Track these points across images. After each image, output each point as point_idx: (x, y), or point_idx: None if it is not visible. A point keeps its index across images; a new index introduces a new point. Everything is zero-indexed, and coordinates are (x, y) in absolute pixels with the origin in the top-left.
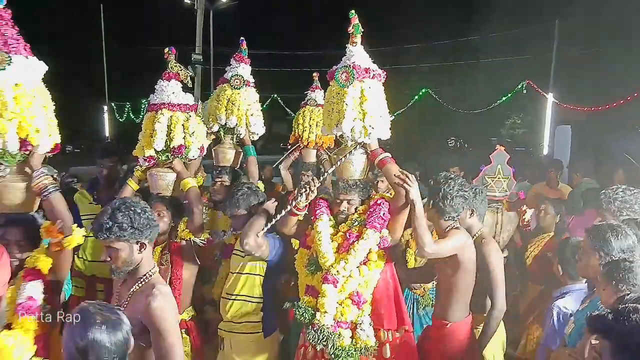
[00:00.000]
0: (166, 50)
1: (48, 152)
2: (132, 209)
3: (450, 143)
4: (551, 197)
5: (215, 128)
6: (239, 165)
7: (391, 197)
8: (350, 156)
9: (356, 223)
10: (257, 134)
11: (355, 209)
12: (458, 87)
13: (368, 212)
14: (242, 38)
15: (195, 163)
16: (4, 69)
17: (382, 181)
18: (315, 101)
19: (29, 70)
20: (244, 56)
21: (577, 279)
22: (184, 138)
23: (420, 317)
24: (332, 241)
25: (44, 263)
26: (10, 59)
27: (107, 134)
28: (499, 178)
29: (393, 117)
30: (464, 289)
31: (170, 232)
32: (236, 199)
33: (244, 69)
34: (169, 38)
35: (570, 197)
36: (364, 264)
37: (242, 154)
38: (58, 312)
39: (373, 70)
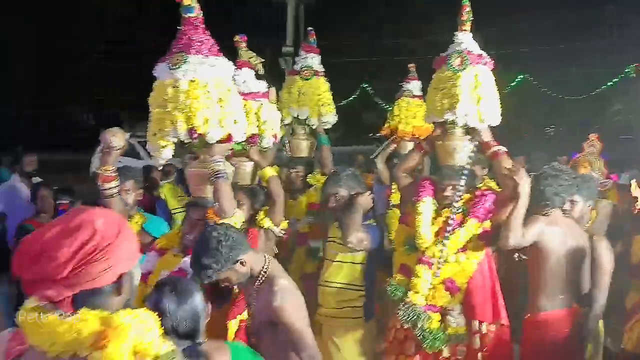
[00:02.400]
0: (236, 37)
1: (222, 142)
2: (211, 245)
3: (548, 131)
4: None
5: (288, 120)
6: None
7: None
8: (456, 142)
9: (459, 210)
10: (330, 123)
11: (460, 196)
12: (559, 72)
13: (473, 202)
14: (310, 29)
15: (269, 153)
16: (180, 67)
17: (482, 167)
18: (412, 92)
19: (204, 68)
20: (313, 46)
21: None
22: (257, 127)
23: None
24: (432, 224)
25: None
26: (186, 59)
27: None
28: (590, 166)
29: None
30: (551, 277)
31: (249, 220)
32: (340, 177)
33: (313, 60)
34: (260, 30)
35: None
36: (462, 252)
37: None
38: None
39: (484, 57)
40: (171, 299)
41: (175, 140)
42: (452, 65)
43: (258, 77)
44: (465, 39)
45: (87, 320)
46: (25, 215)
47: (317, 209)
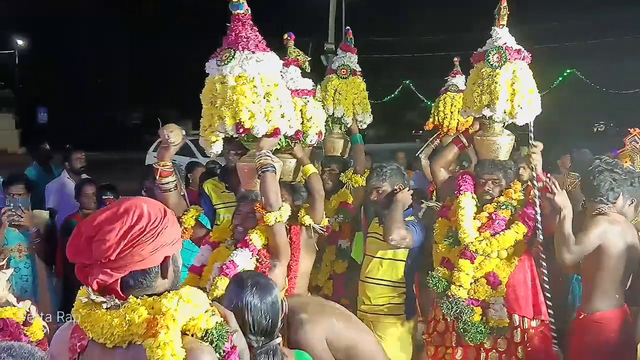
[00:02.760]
0: (285, 35)
1: (267, 136)
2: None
3: (597, 127)
4: None
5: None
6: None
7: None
8: (496, 137)
9: (503, 206)
10: (365, 123)
11: (501, 191)
12: (608, 66)
13: (524, 206)
14: (347, 28)
15: (306, 151)
16: (227, 63)
17: (524, 167)
18: (457, 87)
19: (251, 63)
20: (350, 45)
21: None
22: (301, 124)
23: None
24: (474, 219)
25: (255, 235)
26: (233, 55)
27: None
28: (631, 162)
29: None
30: (609, 276)
31: (290, 216)
32: (384, 172)
33: (350, 59)
34: (301, 28)
35: None
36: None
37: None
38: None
39: (522, 52)
40: (253, 293)
41: (224, 135)
42: (490, 61)
43: (304, 74)
44: (503, 34)
45: (137, 310)
46: (73, 211)
47: (348, 208)
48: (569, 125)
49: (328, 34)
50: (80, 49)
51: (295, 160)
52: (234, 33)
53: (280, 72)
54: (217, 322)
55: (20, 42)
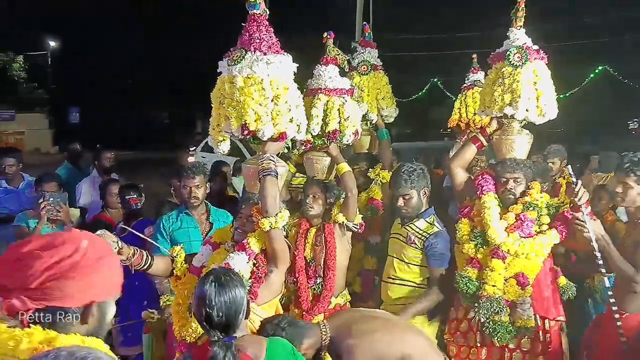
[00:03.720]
0: (325, 34)
1: (273, 140)
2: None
3: (632, 125)
4: None
5: None
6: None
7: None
8: (515, 136)
9: (530, 208)
10: (391, 117)
11: (523, 190)
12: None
13: (557, 217)
14: (364, 23)
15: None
16: (237, 64)
17: (553, 163)
18: (482, 82)
19: (261, 65)
20: (369, 41)
21: None
22: (339, 123)
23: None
24: (500, 219)
25: (253, 240)
26: (244, 55)
27: None
28: None
29: (564, 96)
30: None
31: (324, 214)
32: (411, 178)
33: (370, 54)
34: (328, 28)
35: None
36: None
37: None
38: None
39: (542, 52)
40: (212, 288)
41: (229, 135)
42: (511, 61)
43: (342, 74)
44: (520, 35)
45: (32, 334)
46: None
47: (376, 204)
48: (601, 123)
49: (355, 33)
50: (111, 50)
51: (329, 158)
52: (248, 33)
53: (319, 70)
54: None
55: (52, 43)
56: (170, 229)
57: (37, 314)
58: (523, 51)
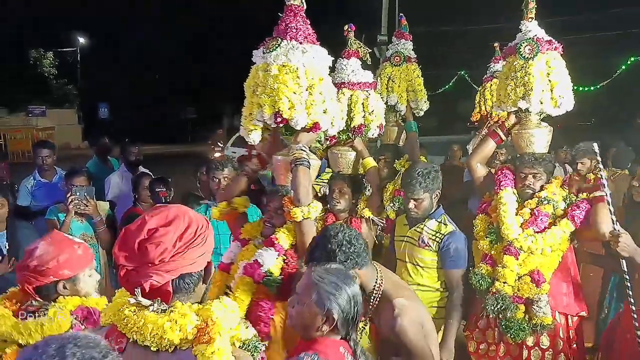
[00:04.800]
0: (346, 27)
1: (306, 130)
2: (328, 246)
3: None
4: None
5: None
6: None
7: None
8: (533, 129)
9: (545, 202)
10: (422, 110)
11: (542, 186)
12: None
13: (572, 207)
14: (401, 14)
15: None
16: (272, 51)
17: (583, 163)
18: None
19: (296, 53)
20: (404, 32)
21: None
22: (363, 117)
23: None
24: (516, 215)
25: (282, 235)
26: (279, 44)
27: None
28: None
29: (595, 88)
30: None
31: (350, 209)
32: (425, 182)
33: (404, 46)
34: (354, 19)
35: None
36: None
37: (403, 130)
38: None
39: (554, 43)
40: (352, 286)
41: (261, 124)
42: (522, 53)
43: (364, 67)
44: (532, 27)
45: (187, 315)
46: (129, 202)
47: (403, 196)
48: (633, 115)
49: (381, 26)
50: (138, 46)
51: (354, 152)
52: (284, 23)
53: (341, 64)
54: (253, 335)
55: (81, 39)
56: None
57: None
58: (534, 43)
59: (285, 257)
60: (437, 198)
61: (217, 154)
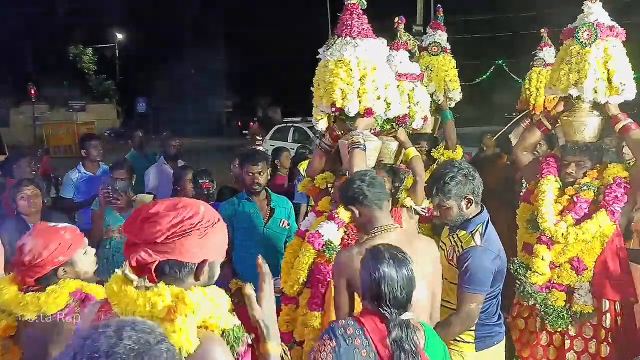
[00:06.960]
0: (396, 19)
1: (361, 116)
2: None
3: None
4: None
5: None
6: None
7: (630, 169)
8: (584, 117)
9: (584, 187)
10: (455, 100)
11: (585, 172)
12: None
13: (605, 192)
14: (438, 6)
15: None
16: (329, 49)
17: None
18: (544, 61)
19: (349, 48)
20: (440, 23)
21: None
22: (408, 108)
23: None
24: (555, 202)
25: (342, 210)
26: (335, 41)
27: None
28: None
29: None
30: None
31: (391, 199)
32: (449, 188)
33: (440, 36)
34: (390, 10)
35: None
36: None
37: (440, 120)
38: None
39: (616, 28)
40: (390, 265)
41: (324, 114)
42: (579, 39)
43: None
44: (595, 8)
45: (162, 295)
46: (168, 194)
47: None
48: None
49: (416, 16)
50: (175, 41)
51: (397, 142)
52: (342, 22)
53: (389, 55)
54: (235, 325)
55: (119, 35)
56: (229, 215)
57: (160, 267)
58: (593, 28)
59: (345, 229)
60: (472, 204)
61: (258, 147)
